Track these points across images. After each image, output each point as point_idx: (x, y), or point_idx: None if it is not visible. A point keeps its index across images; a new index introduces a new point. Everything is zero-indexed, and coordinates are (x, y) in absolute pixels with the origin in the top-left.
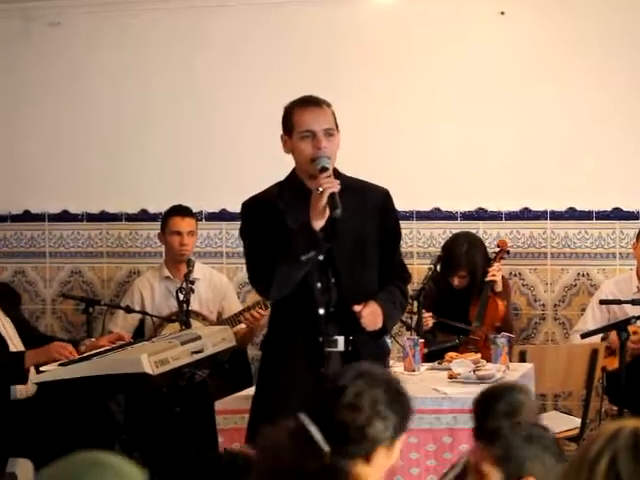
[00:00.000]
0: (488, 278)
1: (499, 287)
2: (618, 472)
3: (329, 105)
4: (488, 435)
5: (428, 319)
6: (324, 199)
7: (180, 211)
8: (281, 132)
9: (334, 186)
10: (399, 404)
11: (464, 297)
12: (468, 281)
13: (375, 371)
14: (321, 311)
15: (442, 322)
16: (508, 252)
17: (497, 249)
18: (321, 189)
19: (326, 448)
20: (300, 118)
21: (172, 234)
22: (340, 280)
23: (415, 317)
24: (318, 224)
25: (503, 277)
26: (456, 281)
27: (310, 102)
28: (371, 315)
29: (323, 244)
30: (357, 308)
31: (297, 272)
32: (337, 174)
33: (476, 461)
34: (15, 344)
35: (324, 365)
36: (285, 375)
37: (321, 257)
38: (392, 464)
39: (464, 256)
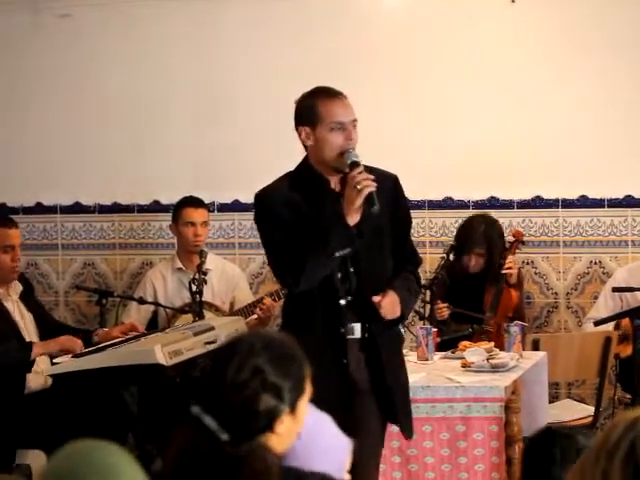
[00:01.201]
0: (504, 271)
1: (514, 279)
2: (636, 459)
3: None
4: None
5: (444, 310)
6: (362, 197)
7: (193, 202)
8: (297, 124)
9: (372, 184)
10: (287, 367)
11: (477, 286)
12: (484, 263)
13: (253, 338)
14: (342, 302)
15: (457, 312)
16: (523, 242)
17: (512, 239)
18: (359, 187)
19: (224, 436)
20: (329, 110)
21: (185, 225)
22: (360, 269)
23: (428, 306)
24: (353, 220)
25: (519, 269)
26: (473, 261)
27: (335, 93)
28: (390, 305)
29: (357, 240)
30: (376, 299)
31: (328, 267)
32: None
33: None
34: (32, 339)
35: (346, 356)
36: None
37: None
38: (299, 430)
39: (482, 235)
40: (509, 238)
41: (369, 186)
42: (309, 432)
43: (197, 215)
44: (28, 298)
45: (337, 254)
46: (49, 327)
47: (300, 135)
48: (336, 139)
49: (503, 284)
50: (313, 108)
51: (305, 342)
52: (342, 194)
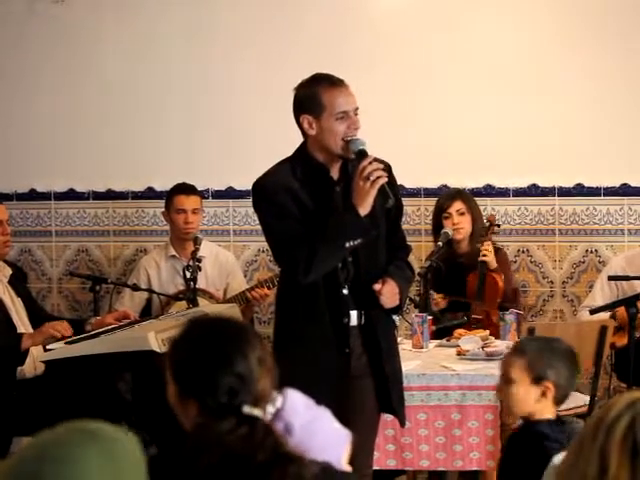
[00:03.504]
0: (480, 259)
1: (493, 265)
2: (635, 434)
3: None
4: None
5: (440, 300)
6: (376, 189)
7: (184, 189)
8: (299, 112)
9: (384, 175)
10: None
11: (461, 273)
12: (470, 224)
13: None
14: (345, 291)
15: (452, 300)
16: (498, 225)
17: (487, 224)
18: (372, 178)
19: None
20: (334, 99)
21: (177, 212)
22: (358, 258)
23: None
24: (365, 211)
25: (497, 249)
26: (455, 219)
27: (338, 82)
28: (390, 293)
29: (368, 231)
30: (377, 287)
31: (339, 258)
32: None
33: (506, 369)
34: (25, 326)
35: (349, 345)
36: (310, 356)
37: None
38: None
39: (452, 191)
40: (505, 226)
41: (381, 177)
42: (305, 428)
43: (188, 202)
44: (18, 284)
45: (348, 245)
46: (39, 317)
47: (302, 124)
48: (339, 128)
49: (485, 271)
50: (316, 97)
51: (309, 331)
52: (342, 182)
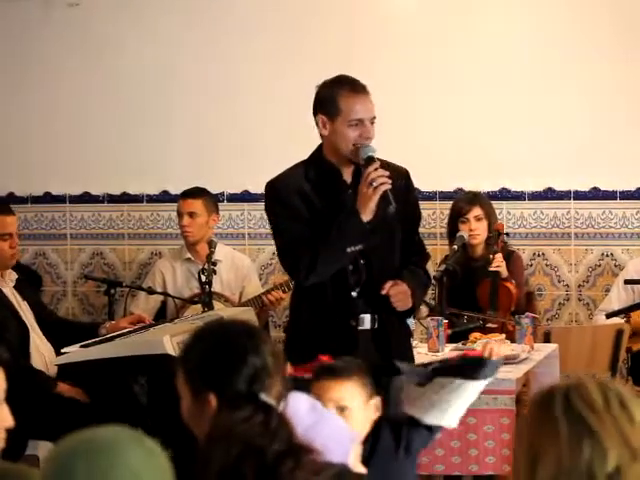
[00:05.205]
0: (493, 268)
1: (504, 273)
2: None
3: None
4: None
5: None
6: (378, 195)
7: (184, 193)
8: (316, 111)
9: (388, 182)
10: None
11: (476, 276)
12: (485, 229)
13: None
14: (354, 294)
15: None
16: (507, 234)
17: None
18: (375, 184)
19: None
20: (351, 106)
21: (178, 216)
22: (370, 261)
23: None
24: (367, 217)
25: (511, 252)
26: (473, 224)
27: (359, 88)
28: (401, 295)
29: (370, 237)
30: (383, 291)
31: (340, 262)
32: None
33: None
34: (33, 329)
35: (357, 348)
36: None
37: None
38: None
39: (469, 194)
40: (517, 229)
41: (385, 184)
42: (309, 430)
43: (184, 206)
44: (24, 288)
45: (349, 250)
46: (49, 321)
47: (317, 122)
48: (352, 134)
49: (497, 281)
50: (335, 99)
51: (316, 333)
52: (354, 186)
